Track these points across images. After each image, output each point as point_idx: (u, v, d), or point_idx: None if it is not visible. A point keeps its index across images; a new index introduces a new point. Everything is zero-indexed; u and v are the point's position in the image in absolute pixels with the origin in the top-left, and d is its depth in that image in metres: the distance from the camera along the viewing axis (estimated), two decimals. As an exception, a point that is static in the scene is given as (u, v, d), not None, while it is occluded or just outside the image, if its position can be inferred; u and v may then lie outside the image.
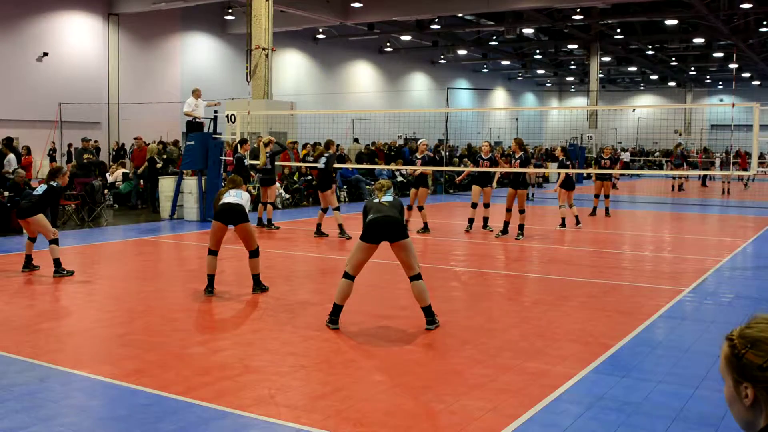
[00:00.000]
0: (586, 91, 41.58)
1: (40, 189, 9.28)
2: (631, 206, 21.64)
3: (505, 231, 13.09)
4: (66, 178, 9.89)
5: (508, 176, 13.09)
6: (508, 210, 13.05)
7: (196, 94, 16.63)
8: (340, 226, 12.71)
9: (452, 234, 13.91)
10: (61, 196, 9.81)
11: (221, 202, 8.18)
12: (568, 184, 14.27)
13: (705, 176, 30.88)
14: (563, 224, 14.35)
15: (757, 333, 1.63)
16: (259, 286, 8.23)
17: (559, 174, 14.54)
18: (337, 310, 6.67)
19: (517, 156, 12.76)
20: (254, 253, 8.14)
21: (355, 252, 6.66)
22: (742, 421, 1.66)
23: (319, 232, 12.85)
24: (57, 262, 8.98)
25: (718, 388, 5.37)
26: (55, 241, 9.02)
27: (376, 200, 6.75)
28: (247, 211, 8.21)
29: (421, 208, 13.59)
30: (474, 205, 13.65)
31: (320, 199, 13.10)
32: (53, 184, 9.28)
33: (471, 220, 13.73)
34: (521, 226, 12.85)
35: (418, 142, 14.50)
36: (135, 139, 19.67)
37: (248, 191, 9.04)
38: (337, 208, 12.92)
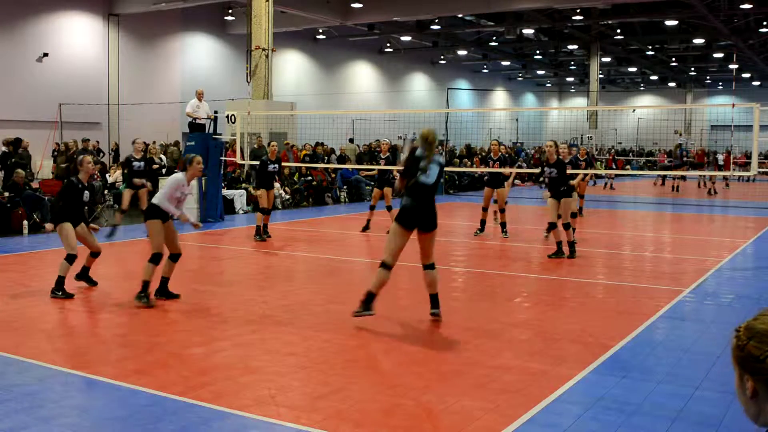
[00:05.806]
0: (586, 92, 41.58)
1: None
2: (632, 207, 21.62)
3: (482, 229, 13.44)
4: (89, 166, 8.01)
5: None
6: (484, 209, 13.42)
7: (199, 95, 16.65)
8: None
9: (451, 234, 13.90)
10: (80, 195, 7.95)
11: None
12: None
13: (684, 175, 30.75)
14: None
15: (760, 325, 1.67)
16: (145, 294, 7.47)
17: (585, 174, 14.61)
18: (371, 298, 6.65)
19: (495, 157, 13.11)
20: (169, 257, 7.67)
21: (391, 238, 6.75)
22: (747, 413, 1.70)
23: (264, 234, 12.42)
24: (58, 280, 7.80)
25: (718, 389, 5.38)
26: (68, 258, 7.77)
27: (423, 178, 6.80)
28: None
29: (389, 208, 13.58)
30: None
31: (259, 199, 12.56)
32: (73, 179, 7.94)
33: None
34: (503, 224, 13.27)
35: (381, 142, 14.64)
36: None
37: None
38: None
